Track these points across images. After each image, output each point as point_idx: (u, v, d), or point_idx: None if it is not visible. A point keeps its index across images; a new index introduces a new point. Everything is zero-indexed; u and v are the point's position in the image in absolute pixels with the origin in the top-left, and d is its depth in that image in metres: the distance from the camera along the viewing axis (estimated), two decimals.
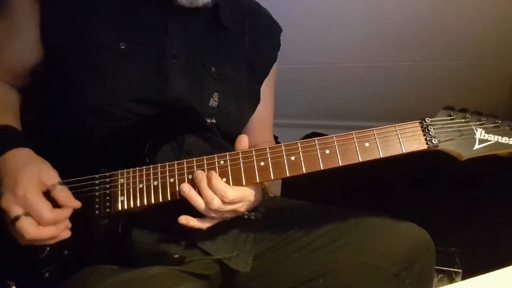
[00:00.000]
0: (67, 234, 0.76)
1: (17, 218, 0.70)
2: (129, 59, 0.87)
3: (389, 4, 1.50)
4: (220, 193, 0.75)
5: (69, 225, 0.76)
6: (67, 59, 0.87)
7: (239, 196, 0.77)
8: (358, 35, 1.66)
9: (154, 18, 0.90)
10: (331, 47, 1.74)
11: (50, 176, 0.76)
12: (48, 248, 0.78)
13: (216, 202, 0.75)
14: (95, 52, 0.86)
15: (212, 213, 0.78)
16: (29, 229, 0.70)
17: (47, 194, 0.74)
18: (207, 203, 0.76)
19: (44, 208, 0.72)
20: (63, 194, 0.75)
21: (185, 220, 0.78)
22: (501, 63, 1.68)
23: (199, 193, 0.77)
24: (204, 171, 0.78)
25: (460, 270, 1.56)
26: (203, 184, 0.76)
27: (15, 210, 0.71)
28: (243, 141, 0.81)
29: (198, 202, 0.76)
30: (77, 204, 0.77)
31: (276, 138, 2.07)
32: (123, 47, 0.86)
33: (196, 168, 0.78)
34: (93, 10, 0.88)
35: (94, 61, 0.86)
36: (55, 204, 0.74)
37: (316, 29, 1.66)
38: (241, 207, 0.80)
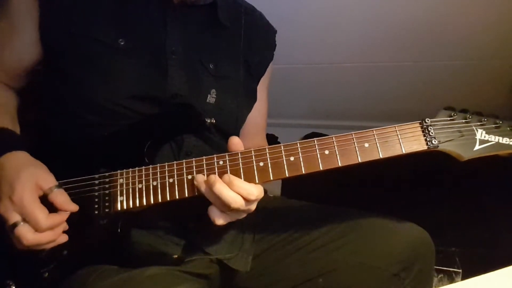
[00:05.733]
0: (64, 238, 0.76)
1: (15, 225, 0.71)
2: (128, 56, 0.87)
3: (389, 4, 1.50)
4: (246, 191, 0.73)
5: (66, 227, 0.76)
6: (66, 57, 0.87)
7: (261, 192, 0.75)
8: (358, 35, 1.66)
9: (153, 15, 0.91)
10: (331, 47, 1.74)
11: (47, 179, 0.76)
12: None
13: (239, 201, 0.72)
14: (94, 49, 0.86)
15: (228, 214, 0.75)
16: (27, 235, 0.71)
17: (44, 198, 0.74)
18: (229, 203, 0.72)
19: (39, 215, 0.72)
20: (60, 197, 0.75)
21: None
22: (501, 63, 1.68)
23: (213, 195, 0.74)
24: (204, 172, 0.77)
25: (460, 270, 1.56)
26: (219, 186, 0.73)
27: (13, 217, 0.71)
28: (234, 142, 0.78)
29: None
30: (74, 207, 0.77)
31: (276, 138, 2.07)
32: (122, 43, 0.87)
33: (196, 168, 0.78)
34: (92, 7, 0.88)
35: (93, 57, 0.86)
36: (53, 208, 0.75)
37: (316, 29, 1.66)
38: (254, 205, 0.77)
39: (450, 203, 1.82)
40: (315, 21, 1.62)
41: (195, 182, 0.76)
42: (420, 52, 1.69)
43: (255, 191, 0.74)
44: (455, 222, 1.73)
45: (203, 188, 0.75)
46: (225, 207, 0.74)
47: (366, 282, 0.88)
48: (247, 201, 0.74)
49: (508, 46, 1.58)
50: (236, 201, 0.72)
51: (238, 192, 0.73)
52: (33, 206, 0.72)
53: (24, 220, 0.71)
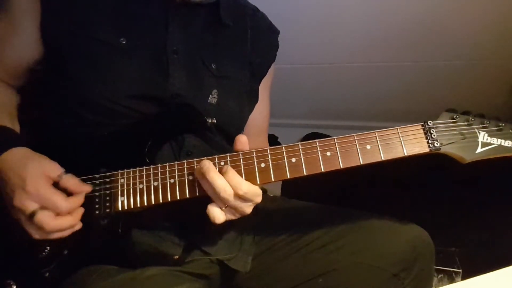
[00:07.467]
0: (80, 225, 0.77)
1: (34, 213, 0.71)
2: (129, 55, 0.87)
3: (389, 4, 1.50)
4: (234, 184, 0.73)
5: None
6: (67, 56, 0.86)
7: (251, 191, 0.74)
8: (358, 35, 1.66)
9: (154, 14, 0.90)
10: (331, 47, 1.74)
11: (54, 168, 0.77)
12: (48, 248, 0.79)
13: (228, 190, 0.72)
14: (95, 48, 0.86)
15: (220, 203, 0.75)
16: (49, 221, 0.72)
17: (55, 186, 0.75)
18: (219, 191, 0.72)
19: (59, 198, 0.73)
20: (72, 181, 0.77)
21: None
22: (501, 63, 1.68)
23: (207, 184, 0.74)
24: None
25: (460, 270, 1.56)
26: (213, 174, 0.73)
27: (31, 206, 0.72)
28: (241, 141, 0.78)
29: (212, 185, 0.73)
30: (88, 188, 0.79)
31: (276, 138, 2.07)
32: (123, 42, 0.87)
33: None
34: (94, 5, 0.88)
35: (94, 56, 0.86)
36: (65, 194, 0.76)
37: (316, 29, 1.66)
38: (249, 206, 0.77)
39: (450, 203, 1.82)
40: (316, 21, 1.62)
41: (195, 172, 0.76)
42: (420, 52, 1.69)
43: (245, 186, 0.73)
44: (455, 222, 1.73)
45: (200, 176, 0.75)
46: (218, 198, 0.73)
47: (366, 282, 0.88)
48: (236, 194, 0.73)
49: (508, 46, 1.58)
50: (225, 190, 0.72)
51: (229, 182, 0.73)
52: (50, 191, 0.73)
53: (42, 207, 0.72)
